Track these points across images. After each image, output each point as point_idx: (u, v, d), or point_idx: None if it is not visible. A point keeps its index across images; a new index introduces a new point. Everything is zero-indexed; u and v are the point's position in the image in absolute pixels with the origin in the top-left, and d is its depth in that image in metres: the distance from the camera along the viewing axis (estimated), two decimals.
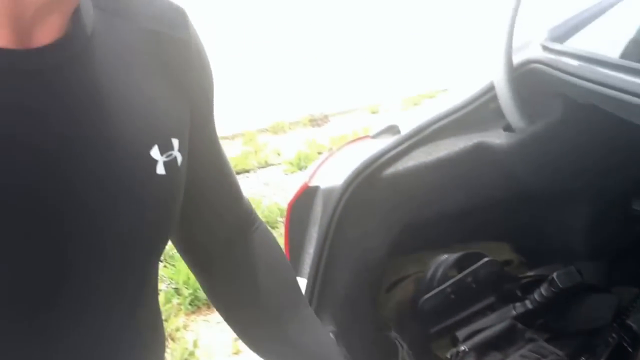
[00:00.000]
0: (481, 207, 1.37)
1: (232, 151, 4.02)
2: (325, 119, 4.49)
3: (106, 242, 0.58)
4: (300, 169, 3.65)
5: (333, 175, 1.30)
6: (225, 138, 4.25)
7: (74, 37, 0.56)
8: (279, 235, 1.17)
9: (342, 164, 1.30)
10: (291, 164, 3.79)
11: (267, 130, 4.41)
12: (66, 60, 0.55)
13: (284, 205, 3.05)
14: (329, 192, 1.27)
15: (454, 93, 1.44)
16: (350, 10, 7.67)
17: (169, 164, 0.62)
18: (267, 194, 3.46)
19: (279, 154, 4.02)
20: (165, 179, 0.62)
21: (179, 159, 0.64)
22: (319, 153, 3.63)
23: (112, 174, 0.57)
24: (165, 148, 0.62)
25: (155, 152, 0.61)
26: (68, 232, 0.55)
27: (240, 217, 0.81)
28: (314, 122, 4.45)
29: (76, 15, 0.56)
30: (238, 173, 3.71)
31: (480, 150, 1.31)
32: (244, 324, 0.83)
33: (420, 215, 1.35)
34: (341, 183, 1.24)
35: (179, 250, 0.81)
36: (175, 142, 0.63)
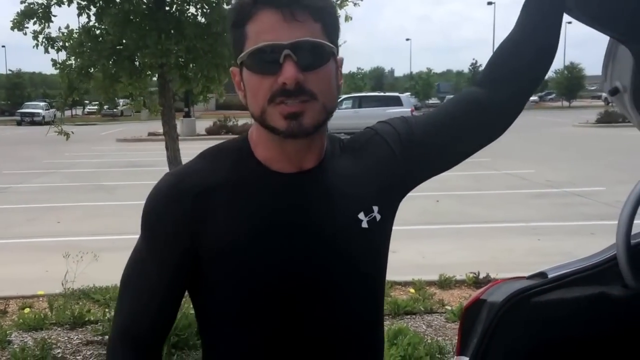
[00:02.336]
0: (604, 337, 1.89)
1: (403, 295, 4.75)
2: (487, 282, 5.03)
3: (333, 266, 1.02)
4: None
5: (497, 296, 1.94)
6: (398, 284, 4.98)
7: (323, 161, 1.04)
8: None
9: (504, 290, 1.95)
10: (453, 314, 4.34)
11: (435, 283, 5.07)
12: (317, 174, 1.02)
13: (443, 343, 3.61)
14: (491, 305, 1.91)
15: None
16: None
17: (371, 221, 1.05)
18: (429, 333, 4.05)
19: (442, 305, 4.61)
20: (367, 230, 1.04)
21: (378, 217, 1.06)
22: None
23: (333, 228, 1.02)
24: (368, 212, 1.05)
25: (361, 215, 1.04)
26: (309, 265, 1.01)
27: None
28: (478, 283, 5.01)
29: (327, 152, 1.06)
30: (405, 314, 4.35)
31: (603, 296, 1.89)
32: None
33: (554, 338, 1.91)
34: (500, 301, 1.88)
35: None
36: (375, 208, 1.06)
